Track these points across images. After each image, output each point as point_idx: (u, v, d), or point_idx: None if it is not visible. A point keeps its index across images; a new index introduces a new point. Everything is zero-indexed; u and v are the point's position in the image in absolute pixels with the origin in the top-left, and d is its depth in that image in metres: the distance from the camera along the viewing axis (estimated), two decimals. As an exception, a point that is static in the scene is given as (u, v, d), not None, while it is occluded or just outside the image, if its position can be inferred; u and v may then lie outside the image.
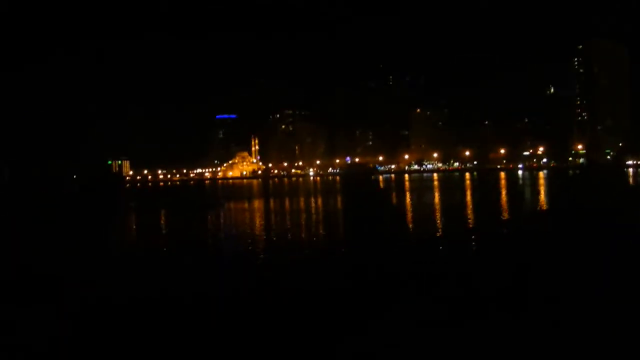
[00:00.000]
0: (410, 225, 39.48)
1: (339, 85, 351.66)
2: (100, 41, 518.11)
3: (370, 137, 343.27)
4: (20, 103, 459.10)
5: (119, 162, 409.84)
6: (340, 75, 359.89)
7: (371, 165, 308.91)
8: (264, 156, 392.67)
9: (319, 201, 75.85)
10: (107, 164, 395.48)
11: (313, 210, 58.03)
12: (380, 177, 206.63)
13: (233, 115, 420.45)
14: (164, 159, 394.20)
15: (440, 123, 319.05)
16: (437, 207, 55.95)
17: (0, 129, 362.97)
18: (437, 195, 78.29)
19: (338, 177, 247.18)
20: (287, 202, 74.98)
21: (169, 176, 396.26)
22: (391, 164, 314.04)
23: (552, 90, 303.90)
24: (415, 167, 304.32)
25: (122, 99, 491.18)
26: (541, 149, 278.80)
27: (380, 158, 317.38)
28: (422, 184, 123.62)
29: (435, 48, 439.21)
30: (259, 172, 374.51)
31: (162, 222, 54.92)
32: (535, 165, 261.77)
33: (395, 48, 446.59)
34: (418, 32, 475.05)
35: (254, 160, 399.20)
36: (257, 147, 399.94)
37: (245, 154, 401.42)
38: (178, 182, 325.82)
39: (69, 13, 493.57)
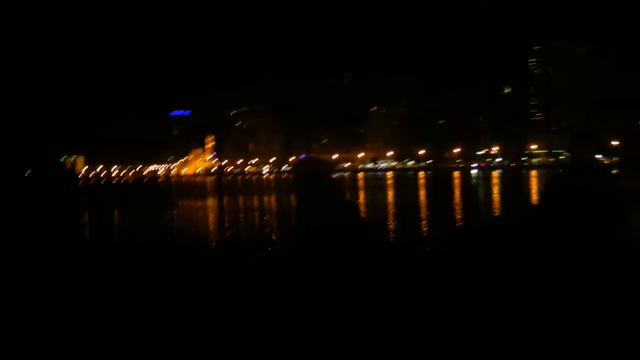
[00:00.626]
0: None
1: (297, 82, 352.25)
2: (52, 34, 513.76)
3: (327, 134, 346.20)
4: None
5: (72, 158, 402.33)
6: (299, 72, 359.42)
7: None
8: (219, 153, 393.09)
9: (267, 200, 79.06)
10: (59, 160, 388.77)
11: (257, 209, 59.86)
12: (334, 176, 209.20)
13: (187, 112, 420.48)
14: (117, 156, 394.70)
15: (396, 121, 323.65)
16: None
17: None
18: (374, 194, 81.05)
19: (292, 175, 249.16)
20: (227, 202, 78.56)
21: (122, 173, 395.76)
22: (347, 161, 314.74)
23: (507, 90, 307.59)
24: (370, 165, 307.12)
25: (77, 93, 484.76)
26: (495, 148, 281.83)
27: (336, 156, 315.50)
28: (370, 183, 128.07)
29: (395, 46, 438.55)
30: (213, 169, 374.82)
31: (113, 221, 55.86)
32: (487, 164, 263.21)
33: (355, 45, 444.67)
34: (381, 30, 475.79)
35: (208, 158, 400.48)
36: (211, 144, 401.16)
37: (200, 150, 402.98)
38: (131, 180, 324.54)
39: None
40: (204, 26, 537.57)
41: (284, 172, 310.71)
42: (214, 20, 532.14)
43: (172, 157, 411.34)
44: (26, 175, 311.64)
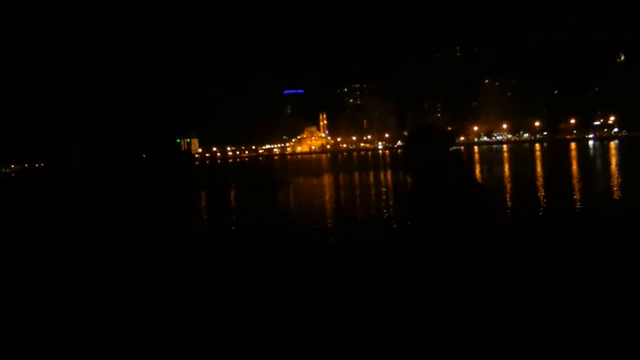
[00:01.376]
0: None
1: (405, 58, 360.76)
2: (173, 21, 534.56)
3: (439, 108, 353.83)
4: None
5: (188, 139, 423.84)
6: (406, 48, 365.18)
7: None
8: (332, 131, 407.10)
9: (384, 175, 76.76)
10: (175, 142, 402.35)
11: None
12: (452, 149, 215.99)
13: (300, 91, 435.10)
14: (232, 136, 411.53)
15: (509, 94, 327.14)
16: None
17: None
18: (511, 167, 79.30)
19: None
20: (359, 177, 76.03)
21: (237, 152, 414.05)
22: (460, 136, 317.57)
23: (623, 57, 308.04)
24: (485, 138, 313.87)
25: (189, 77, 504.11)
26: (612, 118, 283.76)
27: (449, 129, 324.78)
28: (488, 156, 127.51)
29: (505, 18, 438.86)
30: (328, 146, 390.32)
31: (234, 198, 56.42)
32: (604, 135, 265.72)
33: (464, 18, 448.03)
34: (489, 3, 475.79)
35: (322, 135, 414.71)
36: (325, 121, 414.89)
37: (314, 128, 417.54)
38: (247, 159, 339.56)
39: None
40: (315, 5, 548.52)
41: (399, 147, 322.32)
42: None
43: (285, 136, 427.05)
44: (144, 156, 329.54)
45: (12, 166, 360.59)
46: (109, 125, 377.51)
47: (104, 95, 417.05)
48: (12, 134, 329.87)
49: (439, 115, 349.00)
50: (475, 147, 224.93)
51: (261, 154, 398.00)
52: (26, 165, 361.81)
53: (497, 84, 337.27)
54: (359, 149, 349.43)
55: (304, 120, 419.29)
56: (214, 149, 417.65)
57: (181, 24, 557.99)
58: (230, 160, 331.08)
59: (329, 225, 28.18)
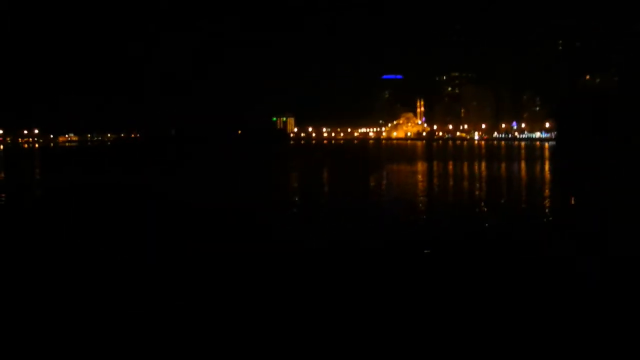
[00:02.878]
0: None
1: (504, 49, 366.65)
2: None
3: (538, 102, 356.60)
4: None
5: (284, 119, 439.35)
6: (506, 39, 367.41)
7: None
8: (429, 118, 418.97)
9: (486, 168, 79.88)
10: (271, 120, 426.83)
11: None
12: (546, 145, 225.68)
13: (399, 76, 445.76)
14: (328, 117, 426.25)
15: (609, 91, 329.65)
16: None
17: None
18: None
19: (503, 142, 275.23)
20: (464, 168, 79.97)
21: (333, 134, 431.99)
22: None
23: None
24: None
25: (287, 53, 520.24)
26: None
27: (547, 124, 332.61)
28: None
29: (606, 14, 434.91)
30: (424, 134, 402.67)
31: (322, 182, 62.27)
32: None
33: (564, 12, 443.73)
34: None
35: (419, 122, 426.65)
36: (422, 108, 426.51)
37: (410, 114, 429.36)
38: (342, 141, 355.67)
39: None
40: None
41: (495, 138, 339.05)
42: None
43: (382, 120, 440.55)
44: (238, 133, 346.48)
45: (109, 135, 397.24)
46: (207, 101, 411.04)
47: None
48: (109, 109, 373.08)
49: (537, 109, 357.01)
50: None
51: (356, 137, 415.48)
52: (122, 135, 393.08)
53: (597, 80, 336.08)
54: (454, 138, 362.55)
55: (401, 106, 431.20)
56: (310, 129, 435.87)
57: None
58: (325, 141, 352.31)
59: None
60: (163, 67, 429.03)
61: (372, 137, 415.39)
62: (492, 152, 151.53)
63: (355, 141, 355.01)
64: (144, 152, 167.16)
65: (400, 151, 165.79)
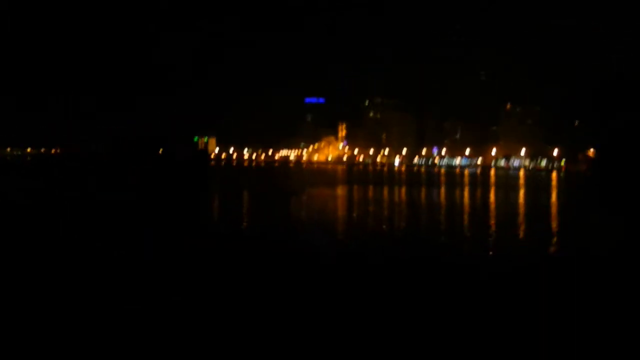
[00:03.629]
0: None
1: (430, 79, 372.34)
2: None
3: (459, 129, 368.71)
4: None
5: (205, 139, 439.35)
6: (430, 65, 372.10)
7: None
8: (350, 142, 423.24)
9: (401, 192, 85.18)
10: (192, 140, 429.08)
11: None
12: (466, 172, 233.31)
13: (322, 99, 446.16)
14: (250, 138, 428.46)
15: (530, 120, 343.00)
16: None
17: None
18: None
19: (422, 168, 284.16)
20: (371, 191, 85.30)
21: (254, 156, 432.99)
22: (477, 157, 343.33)
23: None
24: (502, 162, 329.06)
25: (210, 76, 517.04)
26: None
27: (468, 151, 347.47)
28: (502, 181, 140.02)
29: (528, 45, 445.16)
30: (344, 158, 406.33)
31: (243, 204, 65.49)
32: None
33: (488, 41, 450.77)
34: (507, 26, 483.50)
35: (340, 146, 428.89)
36: (343, 132, 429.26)
37: (332, 138, 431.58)
38: (263, 163, 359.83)
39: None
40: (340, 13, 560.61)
41: (416, 164, 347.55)
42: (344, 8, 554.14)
43: (303, 143, 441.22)
44: (160, 153, 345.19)
45: (29, 149, 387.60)
46: (127, 119, 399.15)
47: (122, 90, 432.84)
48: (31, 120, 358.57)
49: (457, 136, 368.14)
50: (492, 170, 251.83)
51: (277, 160, 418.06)
52: (42, 150, 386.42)
53: (518, 109, 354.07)
54: (375, 163, 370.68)
55: (323, 129, 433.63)
56: (231, 150, 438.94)
57: (201, 22, 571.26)
58: (246, 163, 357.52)
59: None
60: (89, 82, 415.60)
61: (293, 159, 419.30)
62: (410, 177, 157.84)
63: (276, 163, 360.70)
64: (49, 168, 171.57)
65: (316, 175, 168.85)
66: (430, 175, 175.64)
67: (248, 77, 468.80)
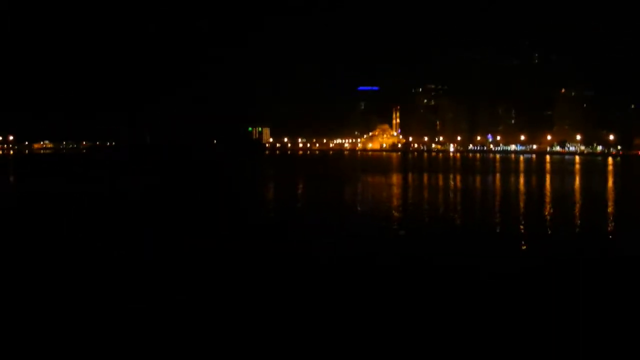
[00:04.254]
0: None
1: (480, 62, 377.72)
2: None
3: (513, 115, 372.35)
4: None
5: (260, 129, 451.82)
6: (482, 52, 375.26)
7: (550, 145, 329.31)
8: (404, 129, 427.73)
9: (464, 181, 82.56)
10: (247, 130, 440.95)
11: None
12: (521, 158, 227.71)
13: (375, 87, 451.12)
14: (304, 128, 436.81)
15: (584, 105, 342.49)
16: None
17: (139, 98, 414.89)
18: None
19: (478, 155, 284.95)
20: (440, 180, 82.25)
21: (308, 145, 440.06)
22: (533, 144, 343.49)
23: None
24: (557, 148, 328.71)
25: (266, 68, 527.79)
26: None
27: (522, 137, 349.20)
28: (557, 167, 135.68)
29: (585, 27, 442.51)
30: (399, 145, 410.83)
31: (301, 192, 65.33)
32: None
33: (541, 25, 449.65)
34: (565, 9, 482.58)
35: (394, 133, 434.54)
36: (397, 120, 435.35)
37: (386, 126, 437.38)
38: (317, 152, 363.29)
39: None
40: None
41: (471, 150, 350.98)
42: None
43: (357, 131, 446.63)
44: (214, 142, 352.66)
45: (84, 142, 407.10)
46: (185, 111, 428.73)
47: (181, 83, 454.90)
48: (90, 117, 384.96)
49: (512, 122, 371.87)
50: (547, 157, 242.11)
51: (332, 148, 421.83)
52: (97, 143, 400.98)
53: (573, 94, 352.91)
54: (430, 150, 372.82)
55: (376, 118, 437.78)
56: (285, 139, 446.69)
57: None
58: (300, 152, 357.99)
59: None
60: (138, 75, 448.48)
61: (348, 148, 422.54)
62: (467, 165, 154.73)
63: (331, 152, 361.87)
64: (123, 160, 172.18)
65: (374, 163, 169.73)
66: (487, 162, 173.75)
67: (302, 67, 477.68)
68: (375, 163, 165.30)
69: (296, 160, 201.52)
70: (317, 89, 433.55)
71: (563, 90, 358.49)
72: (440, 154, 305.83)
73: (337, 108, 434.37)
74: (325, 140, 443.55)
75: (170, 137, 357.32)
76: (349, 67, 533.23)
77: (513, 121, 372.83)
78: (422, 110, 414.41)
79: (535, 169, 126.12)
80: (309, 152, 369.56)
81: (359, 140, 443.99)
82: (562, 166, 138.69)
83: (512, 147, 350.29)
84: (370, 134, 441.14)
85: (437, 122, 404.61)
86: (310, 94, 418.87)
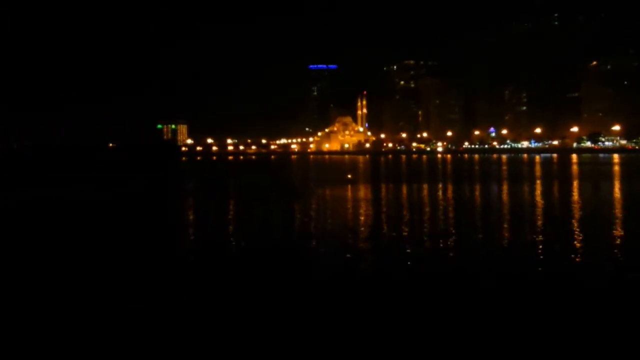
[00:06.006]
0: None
1: (476, 28, 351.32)
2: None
3: (524, 99, 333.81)
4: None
5: (173, 126, 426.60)
6: (478, 15, 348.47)
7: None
8: (373, 123, 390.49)
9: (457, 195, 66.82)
10: (155, 128, 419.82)
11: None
12: (537, 159, 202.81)
13: (332, 66, 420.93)
14: (235, 125, 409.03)
15: (625, 81, 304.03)
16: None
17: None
18: None
19: (476, 156, 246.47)
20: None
21: (241, 147, 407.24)
22: (553, 138, 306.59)
23: None
24: (588, 144, 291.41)
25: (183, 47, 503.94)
26: None
27: (538, 130, 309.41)
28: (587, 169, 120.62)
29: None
30: (367, 144, 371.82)
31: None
32: None
33: None
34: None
35: (360, 129, 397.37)
36: (364, 110, 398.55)
37: (348, 119, 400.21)
38: (254, 156, 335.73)
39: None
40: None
41: (467, 150, 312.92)
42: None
43: (309, 127, 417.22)
44: (110, 146, 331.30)
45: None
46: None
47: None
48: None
49: (523, 108, 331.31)
50: (573, 156, 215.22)
51: (274, 151, 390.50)
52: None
53: (608, 67, 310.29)
54: (409, 150, 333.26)
55: (335, 108, 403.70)
56: (210, 140, 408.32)
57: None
58: (231, 157, 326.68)
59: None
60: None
61: (296, 150, 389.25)
62: (463, 171, 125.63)
63: (273, 156, 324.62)
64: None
65: (332, 171, 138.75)
66: (492, 167, 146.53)
67: (231, 44, 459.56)
68: (334, 172, 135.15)
69: (220, 169, 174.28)
70: (252, 70, 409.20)
71: (594, 63, 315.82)
72: (424, 156, 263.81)
73: (281, 97, 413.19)
74: (264, 141, 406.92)
75: (44, 141, 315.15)
76: (296, 38, 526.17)
77: (524, 108, 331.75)
78: (398, 97, 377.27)
79: (563, 176, 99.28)
80: (242, 156, 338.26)
81: (311, 139, 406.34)
82: (603, 171, 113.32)
83: (524, 144, 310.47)
84: (328, 130, 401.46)
85: (419, 112, 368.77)
86: (242, 76, 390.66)
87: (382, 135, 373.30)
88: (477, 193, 69.48)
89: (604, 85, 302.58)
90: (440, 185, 79.70)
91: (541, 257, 29.65)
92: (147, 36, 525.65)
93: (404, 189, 76.05)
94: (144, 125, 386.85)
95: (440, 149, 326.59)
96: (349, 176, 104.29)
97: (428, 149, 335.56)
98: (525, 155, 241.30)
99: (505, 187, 76.24)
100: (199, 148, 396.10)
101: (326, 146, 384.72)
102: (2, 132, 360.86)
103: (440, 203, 56.52)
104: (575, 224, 40.38)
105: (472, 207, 52.85)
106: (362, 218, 46.02)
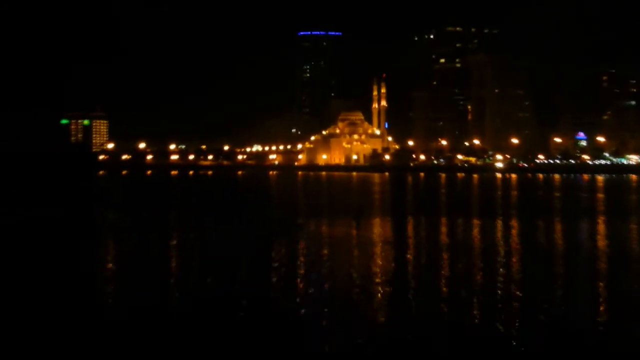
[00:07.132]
0: None
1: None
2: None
3: (633, 90, 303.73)
4: None
5: (86, 122, 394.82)
6: None
7: None
8: (397, 123, 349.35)
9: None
10: (59, 124, 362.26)
11: None
12: None
13: (335, 33, 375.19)
14: (184, 123, 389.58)
15: None
16: None
17: None
18: None
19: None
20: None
21: (191, 157, 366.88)
22: None
23: None
24: None
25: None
26: None
27: None
28: None
29: None
30: (386, 156, 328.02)
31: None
32: None
33: None
34: None
35: (377, 132, 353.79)
36: (383, 103, 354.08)
37: (359, 116, 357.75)
38: (210, 171, 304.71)
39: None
40: None
41: (542, 166, 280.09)
42: None
43: (296, 129, 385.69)
44: None
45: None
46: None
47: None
48: None
49: (632, 102, 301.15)
50: None
51: (242, 162, 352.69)
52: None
53: None
54: (454, 166, 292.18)
55: (339, 100, 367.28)
56: (142, 145, 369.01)
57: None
58: (174, 172, 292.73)
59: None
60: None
61: (276, 162, 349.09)
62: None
63: (240, 171, 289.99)
64: None
65: (337, 205, 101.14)
66: (591, 199, 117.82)
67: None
68: (338, 206, 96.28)
69: (157, 192, 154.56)
70: (209, 39, 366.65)
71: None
72: (475, 175, 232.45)
73: (253, 80, 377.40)
74: (227, 148, 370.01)
75: None
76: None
77: (633, 102, 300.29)
78: (435, 82, 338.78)
79: None
80: (192, 171, 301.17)
81: (299, 146, 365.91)
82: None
83: (633, 158, 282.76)
84: (326, 132, 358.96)
85: (468, 108, 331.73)
86: (194, 47, 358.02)
87: (410, 142, 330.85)
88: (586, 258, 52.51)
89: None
90: (514, 230, 68.65)
91: None
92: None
93: (450, 242, 59.33)
94: (38, 118, 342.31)
95: (500, 165, 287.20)
96: (354, 222, 75.31)
97: (482, 163, 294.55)
98: (634, 177, 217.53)
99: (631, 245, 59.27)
100: (125, 156, 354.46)
101: (323, 157, 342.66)
102: None
103: (516, 266, 47.51)
104: None
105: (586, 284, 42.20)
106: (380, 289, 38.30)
